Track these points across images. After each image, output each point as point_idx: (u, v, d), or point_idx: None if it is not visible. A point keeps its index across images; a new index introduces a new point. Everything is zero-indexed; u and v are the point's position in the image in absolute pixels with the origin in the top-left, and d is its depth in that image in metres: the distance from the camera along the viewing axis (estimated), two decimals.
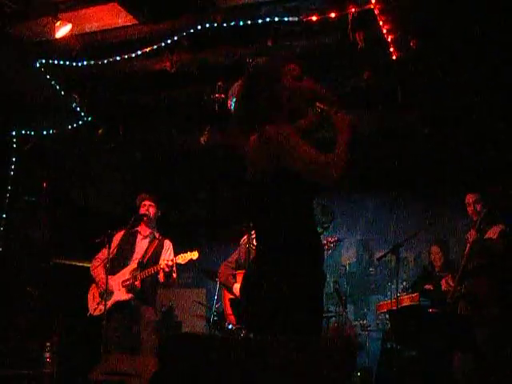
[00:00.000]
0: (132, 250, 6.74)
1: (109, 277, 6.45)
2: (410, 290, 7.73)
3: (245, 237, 6.94)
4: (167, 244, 6.82)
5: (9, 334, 7.63)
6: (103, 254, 6.70)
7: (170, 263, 6.41)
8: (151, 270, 6.45)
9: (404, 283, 8.30)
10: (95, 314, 6.52)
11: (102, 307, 6.39)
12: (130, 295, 6.49)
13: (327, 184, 2.91)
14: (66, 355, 7.70)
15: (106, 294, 6.31)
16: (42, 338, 7.66)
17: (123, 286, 6.50)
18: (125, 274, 6.56)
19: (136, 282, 6.46)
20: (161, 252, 6.71)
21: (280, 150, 2.86)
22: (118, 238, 6.72)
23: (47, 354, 7.45)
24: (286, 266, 2.83)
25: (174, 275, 6.58)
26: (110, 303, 6.43)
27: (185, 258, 6.54)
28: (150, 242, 6.80)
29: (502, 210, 6.35)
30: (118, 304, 6.48)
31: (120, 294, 6.50)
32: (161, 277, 6.50)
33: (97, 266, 6.68)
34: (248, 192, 3.05)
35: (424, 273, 7.93)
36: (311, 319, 2.84)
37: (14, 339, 7.62)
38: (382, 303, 8.09)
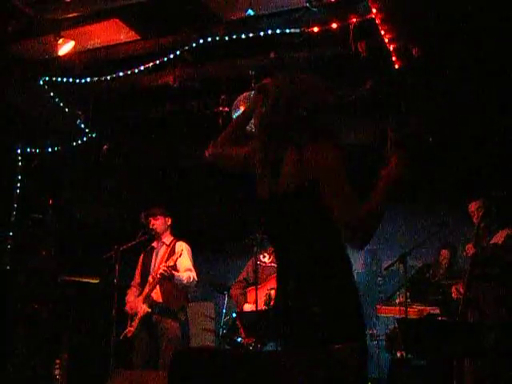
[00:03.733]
0: (150, 267, 6.85)
1: (137, 299, 6.68)
2: (402, 290, 7.56)
3: (253, 258, 7.04)
4: (179, 246, 6.81)
5: (18, 351, 7.62)
6: (134, 281, 6.96)
7: (164, 268, 6.45)
8: (156, 278, 6.52)
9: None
10: (129, 335, 6.61)
11: (131, 329, 6.58)
12: (148, 309, 6.53)
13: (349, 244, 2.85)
14: (75, 372, 7.70)
15: (116, 311, 6.46)
16: (51, 356, 7.66)
17: (144, 303, 6.56)
18: (146, 290, 6.64)
19: (152, 294, 6.54)
20: (172, 256, 6.70)
21: (321, 175, 2.80)
22: (140, 261, 6.99)
23: (57, 371, 7.45)
24: (318, 281, 2.84)
25: (187, 274, 6.61)
26: (137, 321, 6.57)
27: (180, 251, 6.57)
28: (162, 251, 6.87)
29: (507, 215, 6.32)
30: (143, 321, 6.56)
31: (141, 310, 6.56)
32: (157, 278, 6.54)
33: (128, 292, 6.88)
34: (271, 207, 3.01)
35: (418, 274, 7.86)
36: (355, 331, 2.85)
37: (24, 357, 7.61)
38: (383, 307, 7.99)
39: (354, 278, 3.05)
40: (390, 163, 2.87)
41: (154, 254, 6.90)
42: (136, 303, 6.64)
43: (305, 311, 2.87)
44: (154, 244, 6.98)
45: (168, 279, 6.51)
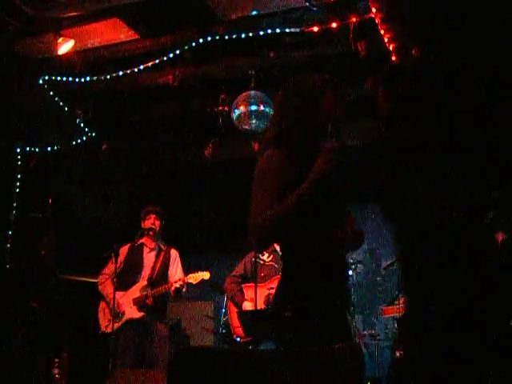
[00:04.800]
0: (140, 265, 6.72)
1: (119, 293, 6.49)
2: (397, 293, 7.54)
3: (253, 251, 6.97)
4: (174, 254, 6.82)
5: (17, 350, 7.61)
6: (109, 269, 6.71)
7: (181, 283, 6.47)
8: (162, 289, 6.46)
9: None
10: (107, 330, 6.49)
11: (115, 325, 6.41)
12: (142, 313, 6.47)
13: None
14: (74, 371, 7.69)
15: (114, 309, 6.35)
16: (50, 355, 7.65)
17: (134, 304, 6.48)
18: (135, 291, 6.54)
19: (147, 300, 6.46)
20: (168, 264, 6.71)
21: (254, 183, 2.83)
22: (123, 252, 6.74)
23: (56, 371, 7.44)
24: (309, 282, 2.83)
25: (184, 289, 6.61)
26: (122, 321, 6.47)
27: (196, 278, 6.55)
28: (157, 255, 6.78)
29: (504, 217, 6.32)
30: (131, 321, 6.47)
31: (132, 312, 6.48)
32: (171, 292, 6.52)
33: (103, 282, 6.67)
34: None
35: None
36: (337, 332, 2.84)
37: (23, 356, 7.61)
38: (387, 308, 7.99)
39: (344, 279, 3.03)
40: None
41: (146, 254, 6.80)
42: (121, 300, 6.51)
43: (279, 315, 2.88)
44: (144, 241, 6.85)
45: (177, 293, 6.54)
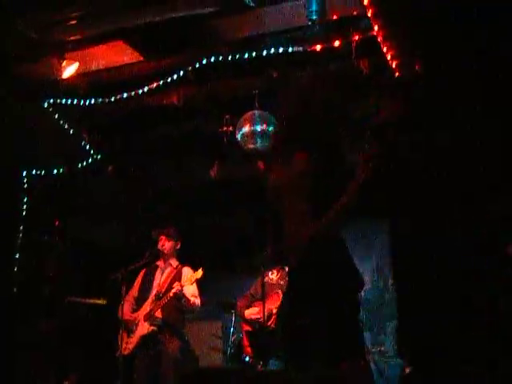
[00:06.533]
0: (151, 285, 6.82)
1: (134, 315, 6.64)
2: None
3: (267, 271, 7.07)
4: (185, 272, 6.85)
5: (26, 373, 7.60)
6: (128, 295, 6.82)
7: (179, 288, 6.47)
8: (166, 298, 6.50)
9: None
10: (125, 353, 6.53)
11: (130, 346, 6.52)
12: (152, 328, 6.50)
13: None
14: None
15: (124, 324, 6.49)
16: (59, 377, 7.64)
17: (145, 320, 6.53)
18: (146, 308, 6.63)
19: (156, 313, 6.50)
20: (179, 280, 6.71)
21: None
22: (140, 276, 6.95)
23: None
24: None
25: (192, 299, 6.62)
26: (135, 340, 6.53)
27: (191, 279, 6.57)
28: (167, 273, 6.85)
29: None
30: (144, 339, 6.52)
31: (143, 329, 6.54)
32: (172, 295, 6.54)
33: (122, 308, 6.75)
34: None
35: None
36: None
37: (31, 379, 7.60)
38: None
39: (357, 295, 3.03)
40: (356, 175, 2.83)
41: (158, 274, 6.89)
42: (135, 320, 6.60)
43: (296, 324, 2.87)
44: (159, 263, 6.96)
45: (178, 299, 6.53)
